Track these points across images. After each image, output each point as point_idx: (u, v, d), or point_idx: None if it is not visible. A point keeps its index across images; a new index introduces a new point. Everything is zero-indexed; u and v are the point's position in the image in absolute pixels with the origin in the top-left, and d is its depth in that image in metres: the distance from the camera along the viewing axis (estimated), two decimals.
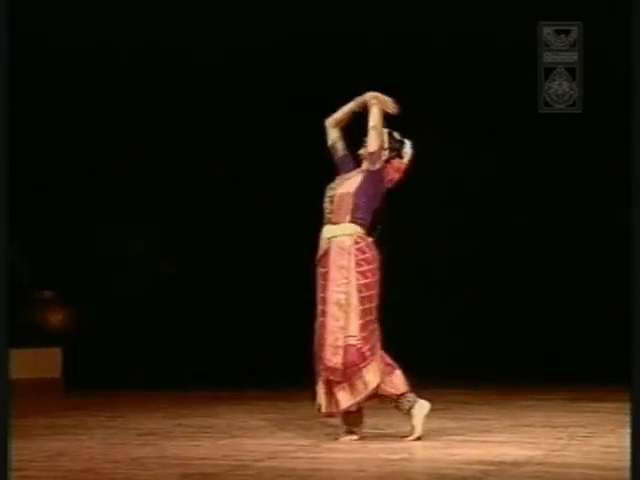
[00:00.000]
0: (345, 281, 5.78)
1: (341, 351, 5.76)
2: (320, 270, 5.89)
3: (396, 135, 6.11)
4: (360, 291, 5.78)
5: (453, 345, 10.39)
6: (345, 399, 5.80)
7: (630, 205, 4.07)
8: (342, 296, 5.78)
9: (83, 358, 10.30)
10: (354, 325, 5.76)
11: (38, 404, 8.37)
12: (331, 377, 5.78)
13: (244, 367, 9.56)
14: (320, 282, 5.88)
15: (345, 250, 5.81)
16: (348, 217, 5.86)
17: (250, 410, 7.39)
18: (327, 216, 5.91)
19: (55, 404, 8.63)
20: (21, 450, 5.67)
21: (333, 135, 6.07)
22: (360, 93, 6.19)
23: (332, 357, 5.76)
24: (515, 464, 5.12)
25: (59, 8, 10.05)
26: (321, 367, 5.79)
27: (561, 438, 6.09)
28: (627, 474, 4.42)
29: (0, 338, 3.97)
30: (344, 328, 5.77)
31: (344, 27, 10.26)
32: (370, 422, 6.53)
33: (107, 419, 7.09)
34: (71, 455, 5.48)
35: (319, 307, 5.85)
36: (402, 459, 5.31)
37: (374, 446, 5.74)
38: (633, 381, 3.96)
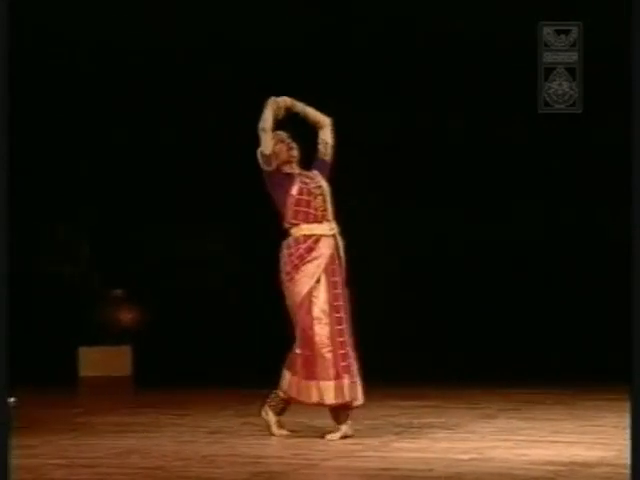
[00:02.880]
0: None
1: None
2: (332, 267, 5.97)
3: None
4: None
5: (525, 344, 10.31)
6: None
7: (630, 205, 4.02)
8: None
9: (153, 356, 10.37)
10: None
11: (108, 402, 8.45)
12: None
13: None
14: (332, 279, 5.96)
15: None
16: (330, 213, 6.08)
17: (319, 409, 7.38)
18: (321, 213, 5.99)
19: (125, 402, 8.71)
20: (92, 447, 5.74)
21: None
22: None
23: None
24: (586, 465, 5.07)
25: (59, 6, 10.13)
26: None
27: None
28: None
29: (0, 338, 3.99)
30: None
31: (344, 25, 10.23)
32: (437, 422, 6.51)
33: (176, 417, 7.13)
34: (141, 453, 5.52)
35: (338, 303, 5.95)
36: (472, 459, 5.27)
37: (443, 445, 5.71)
38: (633, 381, 3.90)
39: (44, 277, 10.69)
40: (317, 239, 6.00)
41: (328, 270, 5.99)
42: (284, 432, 6.07)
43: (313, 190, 6.03)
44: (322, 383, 5.93)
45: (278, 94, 6.07)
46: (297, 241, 6.02)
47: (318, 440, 5.93)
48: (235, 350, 10.48)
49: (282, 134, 6.12)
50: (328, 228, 6.03)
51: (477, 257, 10.62)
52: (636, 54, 3.94)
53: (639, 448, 3.69)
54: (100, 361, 10.38)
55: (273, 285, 10.82)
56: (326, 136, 6.11)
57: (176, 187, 10.88)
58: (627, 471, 4.90)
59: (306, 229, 6.02)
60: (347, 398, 5.91)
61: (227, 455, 5.41)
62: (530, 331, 10.45)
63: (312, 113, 6.13)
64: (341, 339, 5.94)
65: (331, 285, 5.98)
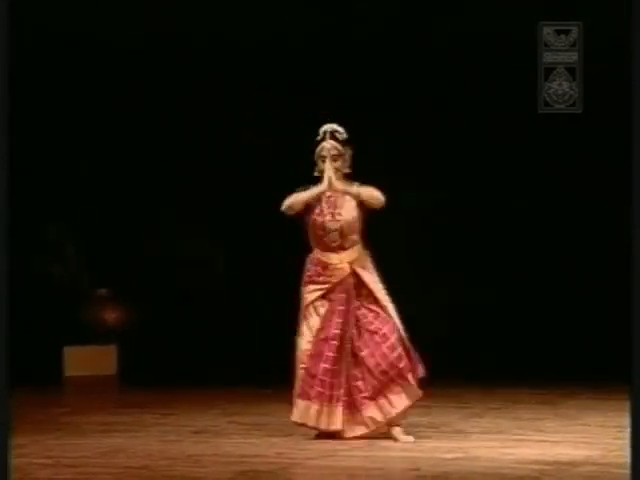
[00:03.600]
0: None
1: (411, 348, 5.96)
2: (340, 296, 5.96)
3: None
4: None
5: (510, 344, 10.32)
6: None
7: (630, 205, 4.02)
8: (390, 305, 5.98)
9: (138, 356, 10.35)
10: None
11: (94, 402, 8.44)
12: (419, 374, 5.92)
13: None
14: (338, 307, 5.95)
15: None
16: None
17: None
18: (335, 245, 6.00)
19: (110, 401, 8.69)
20: (77, 447, 5.72)
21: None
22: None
23: (399, 361, 5.90)
24: (572, 464, 5.07)
25: (58, 5, 10.12)
26: (403, 369, 5.88)
27: (619, 438, 6.02)
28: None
29: (0, 338, 3.98)
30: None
31: (344, 23, 10.23)
32: (424, 421, 6.51)
33: (162, 416, 7.12)
34: (127, 452, 5.51)
35: (335, 331, 5.90)
36: (457, 458, 5.28)
37: (430, 445, 5.72)
38: (633, 381, 3.91)
39: (30, 277, 10.66)
40: (326, 266, 6.00)
41: (334, 298, 5.96)
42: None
43: (328, 224, 5.99)
44: (294, 398, 5.95)
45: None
46: (312, 262, 6.07)
47: (303, 439, 5.93)
48: (221, 349, 10.47)
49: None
50: (339, 259, 5.99)
51: (471, 255, 10.62)
52: (636, 54, 3.95)
53: (639, 448, 3.69)
54: (86, 360, 10.35)
55: (260, 285, 10.84)
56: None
57: (164, 187, 10.86)
58: (613, 470, 4.92)
59: (320, 254, 6.04)
60: (309, 422, 5.88)
61: (212, 454, 5.40)
62: (515, 331, 10.47)
63: (366, 194, 6.01)
64: (325, 365, 5.88)
65: (334, 313, 5.94)
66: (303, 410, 5.89)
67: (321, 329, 5.94)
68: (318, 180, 6.06)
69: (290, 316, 10.37)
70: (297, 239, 6.18)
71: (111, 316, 10.82)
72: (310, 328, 5.97)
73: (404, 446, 5.70)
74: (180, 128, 10.70)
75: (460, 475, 4.82)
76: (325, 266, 6.00)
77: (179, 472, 4.90)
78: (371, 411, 5.84)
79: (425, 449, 5.59)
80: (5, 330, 4.04)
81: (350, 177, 6.08)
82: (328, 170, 5.97)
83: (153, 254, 11.04)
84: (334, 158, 6.00)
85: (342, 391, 5.86)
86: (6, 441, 3.99)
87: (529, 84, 7.31)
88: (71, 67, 10.43)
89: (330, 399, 5.84)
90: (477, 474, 4.81)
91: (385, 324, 5.92)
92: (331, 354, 5.89)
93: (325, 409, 5.85)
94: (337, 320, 5.93)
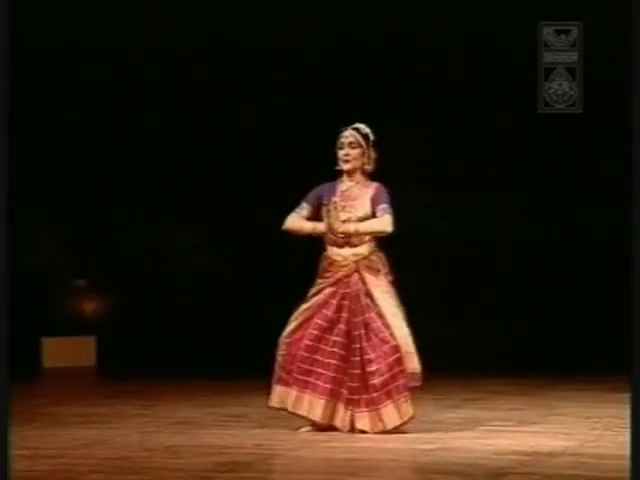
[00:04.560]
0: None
1: (416, 357, 5.85)
2: (342, 292, 5.93)
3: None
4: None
5: (487, 335, 10.36)
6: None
7: (630, 204, 4.04)
8: (395, 309, 5.90)
9: (117, 346, 10.34)
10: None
11: (72, 392, 8.42)
12: (412, 384, 5.83)
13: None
14: (340, 301, 5.92)
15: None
16: None
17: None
18: (342, 240, 5.94)
19: (89, 392, 8.68)
20: (56, 438, 5.71)
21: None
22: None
23: (410, 364, 5.83)
24: (550, 454, 5.10)
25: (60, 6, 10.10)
26: (400, 381, 5.79)
27: (596, 429, 6.06)
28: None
29: (0, 338, 3.97)
30: (410, 334, 5.88)
31: (343, 23, 10.23)
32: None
33: (141, 407, 7.12)
34: (106, 443, 5.50)
35: (327, 324, 5.87)
36: (436, 449, 5.29)
37: (409, 436, 5.73)
38: (633, 378, 3.93)
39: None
40: (331, 262, 5.98)
41: (328, 292, 5.93)
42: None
43: (337, 233, 5.95)
44: (273, 384, 5.95)
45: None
46: (322, 257, 6.04)
47: (283, 430, 5.94)
48: (200, 341, 10.47)
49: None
50: (344, 256, 5.95)
51: (465, 253, 10.63)
52: (636, 54, 3.95)
53: (639, 448, 3.70)
54: (64, 352, 10.34)
55: (240, 277, 10.84)
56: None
57: (143, 177, 10.83)
58: (591, 460, 4.95)
59: (329, 249, 6.01)
60: (288, 407, 5.89)
61: (191, 445, 5.40)
62: (493, 323, 10.50)
63: (365, 230, 5.92)
64: (307, 354, 5.87)
65: (325, 304, 5.92)
66: (281, 395, 5.89)
67: (306, 319, 5.93)
68: (339, 173, 6.01)
69: (271, 307, 10.41)
70: (278, 230, 6.15)
71: (90, 307, 10.81)
72: (297, 318, 5.96)
73: (383, 437, 5.71)
74: (158, 117, 10.67)
75: (439, 466, 4.83)
76: (331, 263, 5.98)
77: (158, 463, 4.90)
78: (362, 423, 5.81)
79: (404, 440, 5.61)
80: (5, 330, 4.03)
81: (371, 177, 6.03)
82: (332, 213, 5.89)
83: (132, 245, 11.02)
84: (351, 146, 5.96)
85: (328, 385, 5.84)
86: (6, 438, 3.98)
87: (529, 84, 7.32)
88: (48, 58, 10.40)
89: (308, 387, 5.84)
90: (456, 465, 4.83)
91: (387, 342, 5.85)
92: (309, 342, 5.88)
93: (306, 397, 5.85)
94: (324, 311, 5.91)
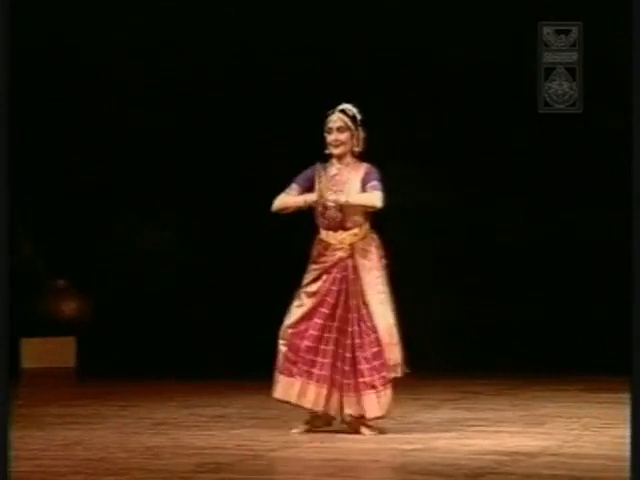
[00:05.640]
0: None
1: (398, 348, 5.86)
2: (335, 276, 5.91)
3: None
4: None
5: (466, 336, 10.38)
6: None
7: (630, 204, 4.06)
8: (383, 295, 5.89)
9: (97, 347, 10.30)
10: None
11: (52, 393, 8.40)
12: (393, 375, 5.84)
13: (257, 356, 9.56)
14: (331, 287, 5.90)
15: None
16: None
17: (263, 400, 7.38)
18: (336, 223, 5.93)
19: (69, 393, 8.65)
20: (35, 439, 5.70)
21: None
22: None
23: (392, 355, 5.84)
24: (529, 455, 5.12)
25: (60, 8, 10.07)
26: (383, 372, 5.80)
27: (575, 429, 6.09)
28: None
29: (0, 336, 3.96)
30: (394, 325, 5.88)
31: (343, 25, 10.24)
32: None
33: (121, 408, 7.10)
34: (85, 444, 5.49)
35: (323, 309, 5.87)
36: (416, 449, 5.31)
37: (388, 436, 5.75)
38: (633, 378, 3.95)
39: None
40: (326, 246, 5.96)
41: (327, 278, 5.91)
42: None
43: (327, 203, 5.93)
44: (275, 375, 5.94)
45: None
46: (316, 241, 6.01)
47: (264, 431, 5.94)
48: (180, 341, 10.45)
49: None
50: (339, 239, 5.94)
51: (471, 250, 10.62)
52: (636, 54, 3.96)
53: (639, 448, 3.71)
54: (43, 352, 10.30)
55: (220, 277, 10.82)
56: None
57: (121, 176, 10.80)
58: (570, 460, 4.98)
59: (323, 233, 5.99)
60: (292, 399, 5.87)
61: (172, 446, 5.40)
62: (471, 323, 10.52)
63: (356, 201, 5.90)
64: (307, 343, 5.85)
65: (326, 293, 5.89)
66: (285, 387, 5.88)
67: (311, 308, 5.89)
68: (327, 157, 6.00)
69: (250, 307, 10.42)
70: (253, 226, 6.13)
71: (69, 307, 10.77)
72: (300, 306, 5.92)
73: (364, 438, 5.72)
74: (133, 117, 10.63)
75: (419, 466, 4.85)
76: (326, 246, 5.95)
77: (138, 464, 4.89)
78: (350, 407, 5.81)
79: (384, 440, 5.62)
80: (5, 329, 4.02)
81: (362, 157, 6.02)
82: (323, 184, 5.90)
83: (112, 245, 10.99)
84: (340, 130, 5.95)
85: (328, 373, 5.82)
86: (6, 436, 3.98)
87: (529, 84, 7.33)
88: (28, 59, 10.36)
89: (312, 378, 5.82)
90: (436, 465, 4.84)
91: (373, 332, 5.85)
92: (315, 332, 5.86)
93: (311, 387, 5.83)
94: (328, 300, 5.88)
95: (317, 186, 5.93)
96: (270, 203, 6.05)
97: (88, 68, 10.57)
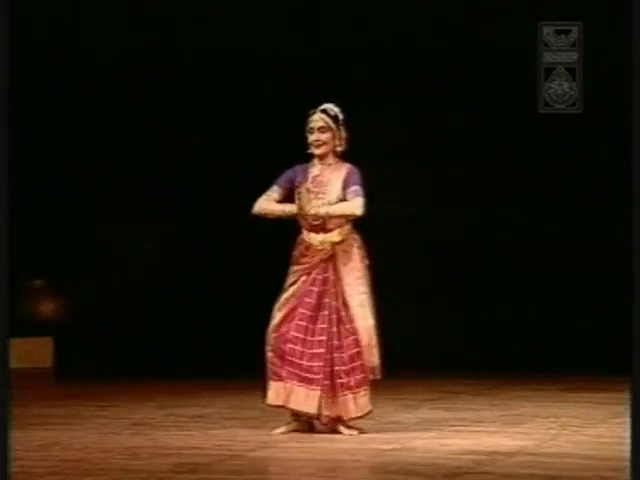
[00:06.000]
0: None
1: (376, 350, 5.86)
2: (314, 277, 5.90)
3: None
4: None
5: (445, 335, 10.40)
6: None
7: (630, 204, 4.07)
8: (363, 296, 5.88)
9: (75, 348, 10.27)
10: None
11: (30, 394, 8.35)
12: (371, 377, 5.84)
13: (237, 356, 9.56)
14: (309, 287, 5.89)
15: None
16: None
17: (242, 400, 7.39)
18: (317, 224, 5.92)
19: (47, 394, 8.62)
20: (13, 440, 5.66)
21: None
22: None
23: (371, 357, 5.84)
24: (507, 454, 5.14)
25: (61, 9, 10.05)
26: (361, 374, 5.80)
27: (552, 428, 6.11)
28: (620, 464, 4.44)
29: (0, 336, 3.95)
30: (374, 327, 5.87)
31: (343, 25, 10.24)
32: None
33: (99, 409, 7.08)
34: (63, 445, 5.47)
35: (304, 311, 5.85)
36: (395, 449, 5.32)
37: (367, 436, 5.75)
38: (633, 378, 3.96)
39: None
40: (308, 247, 5.94)
41: (307, 280, 5.89)
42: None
43: (307, 217, 5.91)
44: (267, 381, 5.92)
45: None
46: (298, 241, 5.99)
47: (243, 431, 5.94)
48: (158, 341, 10.43)
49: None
50: (320, 240, 5.91)
51: (463, 251, 10.63)
52: (636, 54, 3.97)
53: (639, 448, 3.72)
54: (21, 353, 10.24)
55: (197, 275, 10.80)
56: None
57: (101, 174, 10.76)
58: (548, 460, 5.00)
59: (305, 234, 5.97)
60: (284, 403, 5.84)
61: (150, 447, 5.39)
62: (451, 323, 10.54)
63: (336, 212, 5.88)
64: (291, 345, 5.83)
65: (308, 293, 5.87)
66: (276, 391, 5.87)
67: (291, 310, 5.89)
68: (310, 157, 5.98)
69: (231, 307, 10.40)
70: (236, 227, 6.12)
71: (47, 308, 10.73)
72: (280, 309, 5.92)
73: (342, 438, 5.73)
74: (120, 113, 10.60)
75: (397, 466, 4.86)
76: (308, 247, 5.93)
77: (116, 464, 4.88)
78: (328, 409, 5.80)
79: (363, 440, 5.62)
80: (5, 328, 4.00)
81: (344, 157, 6.00)
82: (304, 196, 5.87)
83: (90, 245, 10.95)
84: (321, 130, 5.93)
85: (321, 376, 5.80)
86: (7, 436, 3.96)
87: (529, 84, 7.33)
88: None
89: (303, 380, 5.81)
90: (414, 465, 4.85)
91: (352, 334, 5.84)
92: (297, 334, 5.84)
93: (302, 390, 5.81)
94: (307, 300, 5.88)
95: (297, 197, 5.92)
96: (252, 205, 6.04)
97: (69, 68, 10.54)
